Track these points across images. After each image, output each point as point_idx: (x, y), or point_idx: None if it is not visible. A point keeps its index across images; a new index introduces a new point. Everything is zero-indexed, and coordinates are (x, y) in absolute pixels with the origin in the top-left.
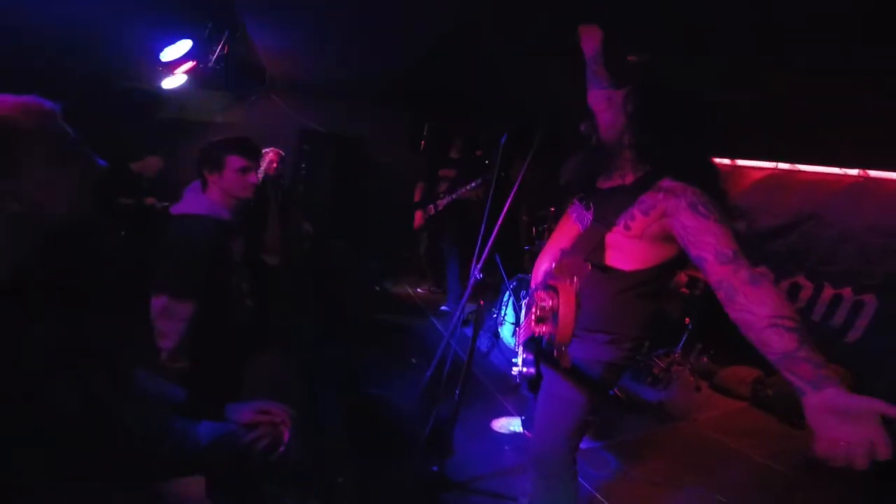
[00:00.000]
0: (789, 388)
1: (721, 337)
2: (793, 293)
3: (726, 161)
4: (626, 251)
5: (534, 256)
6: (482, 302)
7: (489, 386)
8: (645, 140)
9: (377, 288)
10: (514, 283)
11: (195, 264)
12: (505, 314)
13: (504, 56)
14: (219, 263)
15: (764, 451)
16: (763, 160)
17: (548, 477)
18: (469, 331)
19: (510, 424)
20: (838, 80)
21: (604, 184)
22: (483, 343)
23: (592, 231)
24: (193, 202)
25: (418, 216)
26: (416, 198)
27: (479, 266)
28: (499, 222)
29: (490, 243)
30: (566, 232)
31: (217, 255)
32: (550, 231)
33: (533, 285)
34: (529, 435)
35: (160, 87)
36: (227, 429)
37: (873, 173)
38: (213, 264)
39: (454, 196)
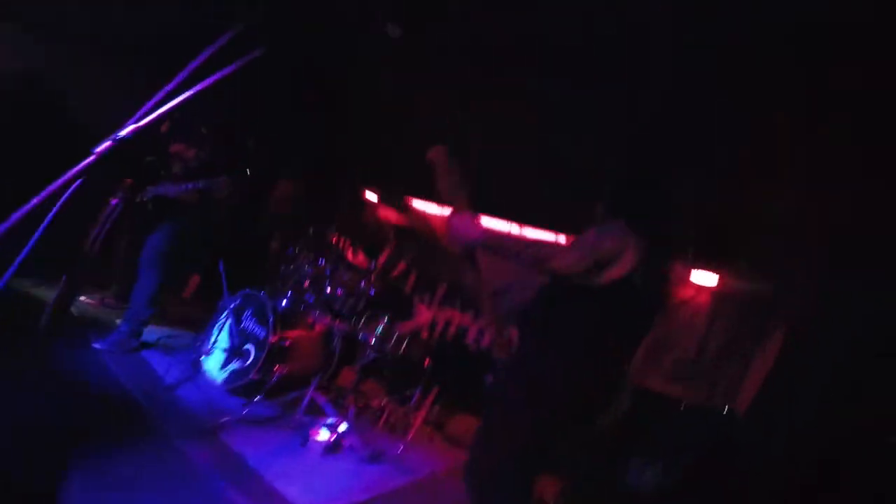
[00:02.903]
0: None
1: (451, 382)
2: None
3: None
4: None
5: (286, 278)
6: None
7: (170, 430)
8: None
9: None
10: (238, 301)
11: None
12: (217, 340)
13: None
14: None
15: None
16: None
17: None
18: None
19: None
20: None
21: None
22: (171, 373)
23: None
24: None
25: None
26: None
27: None
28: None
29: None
30: None
31: None
32: (307, 250)
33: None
34: None
35: None
36: None
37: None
38: None
39: (168, 192)
